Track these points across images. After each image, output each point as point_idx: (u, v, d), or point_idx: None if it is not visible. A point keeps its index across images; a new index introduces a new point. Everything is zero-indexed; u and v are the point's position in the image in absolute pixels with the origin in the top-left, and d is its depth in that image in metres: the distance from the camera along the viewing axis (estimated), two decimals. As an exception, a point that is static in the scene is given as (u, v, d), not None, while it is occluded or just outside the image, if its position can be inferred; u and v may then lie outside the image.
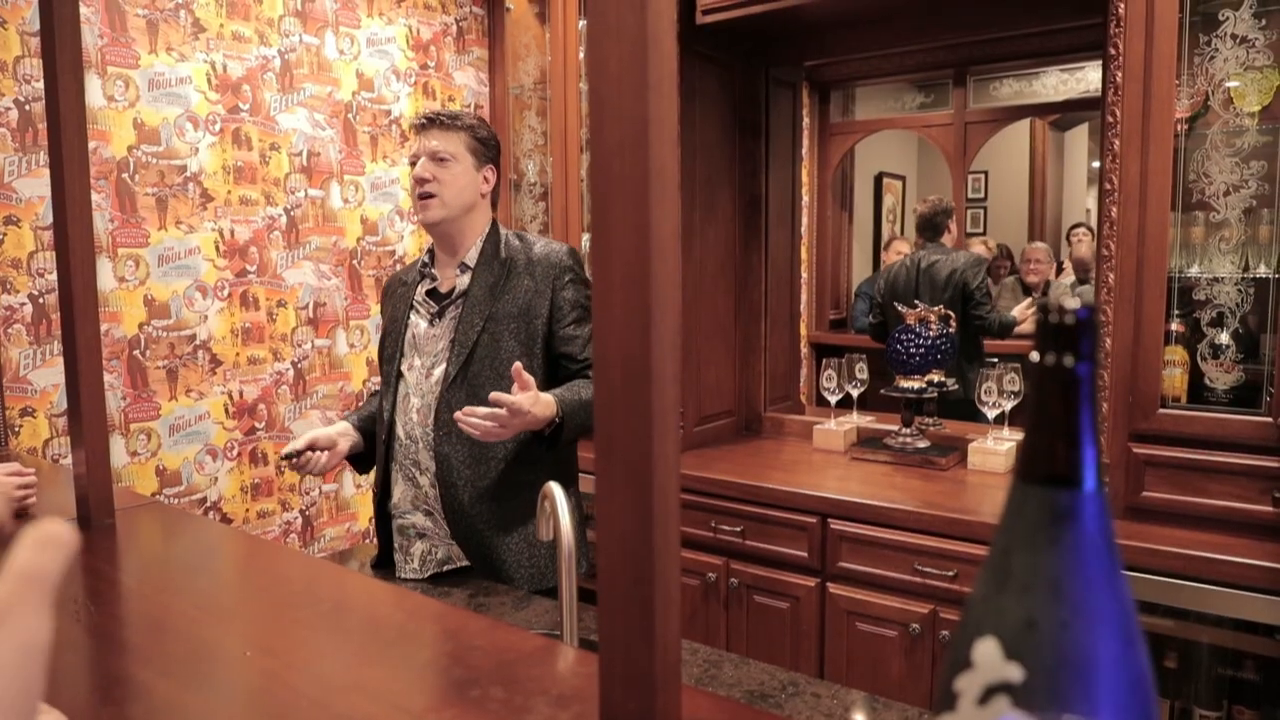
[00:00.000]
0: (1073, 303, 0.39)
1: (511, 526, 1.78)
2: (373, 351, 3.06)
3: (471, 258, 1.83)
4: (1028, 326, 3.74)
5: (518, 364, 1.59)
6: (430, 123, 1.81)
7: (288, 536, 2.85)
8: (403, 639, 0.98)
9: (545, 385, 1.72)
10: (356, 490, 3.03)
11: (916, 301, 2.88)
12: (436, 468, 1.78)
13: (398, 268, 3.12)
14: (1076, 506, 0.39)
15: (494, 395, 1.56)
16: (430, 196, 1.79)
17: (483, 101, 3.37)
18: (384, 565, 1.91)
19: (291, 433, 2.84)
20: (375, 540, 1.94)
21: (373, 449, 1.93)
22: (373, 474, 1.93)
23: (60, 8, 1.27)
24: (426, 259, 1.91)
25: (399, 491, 1.85)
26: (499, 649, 0.93)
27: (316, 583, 1.18)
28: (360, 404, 1.98)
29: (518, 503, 1.78)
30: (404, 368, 1.86)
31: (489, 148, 1.86)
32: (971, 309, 3.51)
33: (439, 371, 1.80)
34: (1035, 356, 0.40)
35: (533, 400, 1.58)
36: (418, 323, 1.86)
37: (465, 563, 1.82)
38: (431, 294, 1.87)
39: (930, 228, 3.71)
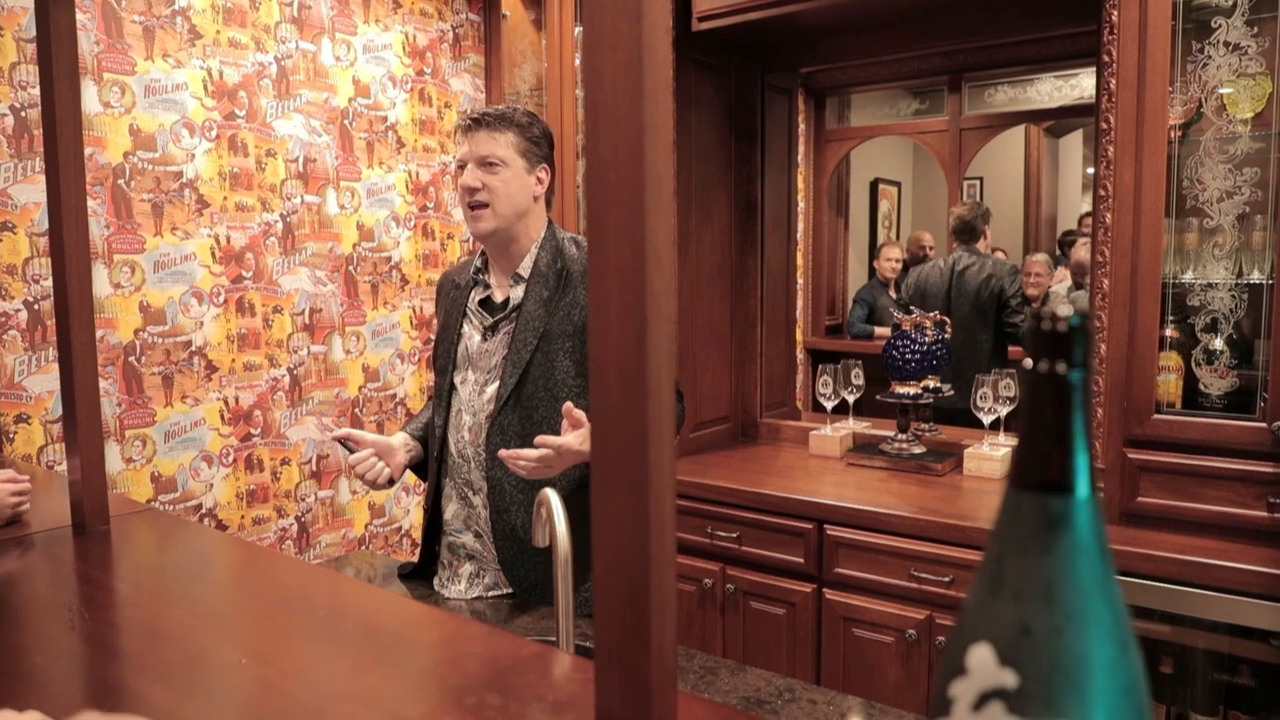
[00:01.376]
0: (1065, 310, 0.39)
1: None
2: (369, 357, 3.06)
3: (526, 268, 1.74)
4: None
5: (569, 404, 1.55)
6: (476, 124, 1.69)
7: (283, 543, 2.85)
8: (398, 646, 0.98)
9: None
10: (352, 497, 3.02)
11: (912, 308, 2.89)
12: (489, 489, 1.71)
13: (394, 274, 3.12)
14: (1070, 512, 0.40)
15: (539, 439, 1.52)
16: (482, 206, 1.68)
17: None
18: (416, 577, 1.84)
19: (287, 439, 2.84)
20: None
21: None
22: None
23: (56, 14, 1.27)
24: (480, 264, 1.81)
25: (451, 509, 1.79)
26: (495, 656, 0.93)
27: (312, 589, 1.18)
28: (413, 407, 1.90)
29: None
30: (457, 380, 1.78)
31: (541, 145, 1.73)
32: (1005, 316, 3.51)
33: (491, 389, 1.73)
34: (1029, 363, 0.40)
35: (582, 439, 1.52)
36: (471, 334, 1.78)
37: (509, 590, 1.74)
38: (485, 304, 1.79)
39: (967, 231, 3.68)
